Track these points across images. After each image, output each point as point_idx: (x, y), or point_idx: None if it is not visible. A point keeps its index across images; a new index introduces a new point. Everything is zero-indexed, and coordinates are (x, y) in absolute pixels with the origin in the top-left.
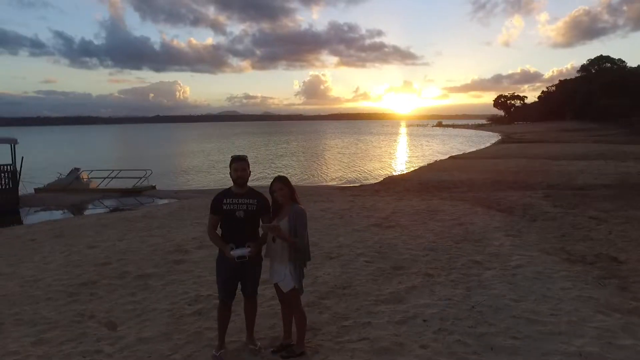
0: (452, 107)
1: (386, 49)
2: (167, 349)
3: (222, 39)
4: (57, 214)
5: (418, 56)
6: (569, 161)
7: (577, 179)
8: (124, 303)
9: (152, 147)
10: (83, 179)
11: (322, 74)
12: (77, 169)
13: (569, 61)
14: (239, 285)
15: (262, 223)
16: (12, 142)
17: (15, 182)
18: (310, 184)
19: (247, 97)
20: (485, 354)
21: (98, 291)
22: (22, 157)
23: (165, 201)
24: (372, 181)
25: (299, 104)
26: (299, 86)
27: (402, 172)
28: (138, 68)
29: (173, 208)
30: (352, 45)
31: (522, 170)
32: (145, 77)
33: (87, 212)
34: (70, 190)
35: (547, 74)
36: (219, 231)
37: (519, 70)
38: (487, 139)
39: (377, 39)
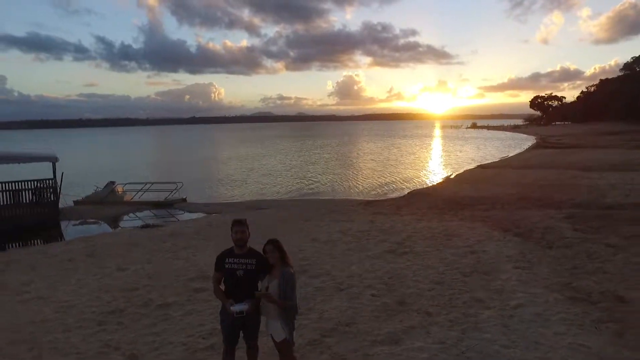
0: (488, 106)
1: (420, 49)
2: None
3: (256, 41)
4: (93, 228)
5: (453, 55)
6: (601, 173)
7: (606, 196)
8: (146, 334)
9: (185, 151)
10: (118, 191)
11: (356, 75)
12: (112, 182)
13: (612, 58)
14: (241, 333)
15: (258, 287)
16: (53, 161)
17: (57, 196)
18: (337, 197)
19: (281, 98)
20: None
21: (124, 320)
22: (62, 173)
23: (194, 216)
24: (399, 193)
25: (332, 105)
26: (333, 87)
27: (428, 185)
28: (174, 70)
29: (200, 225)
30: (385, 45)
31: (550, 185)
32: (181, 79)
33: (120, 226)
34: (106, 203)
35: (588, 72)
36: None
37: (558, 68)
38: (522, 143)
39: (411, 39)
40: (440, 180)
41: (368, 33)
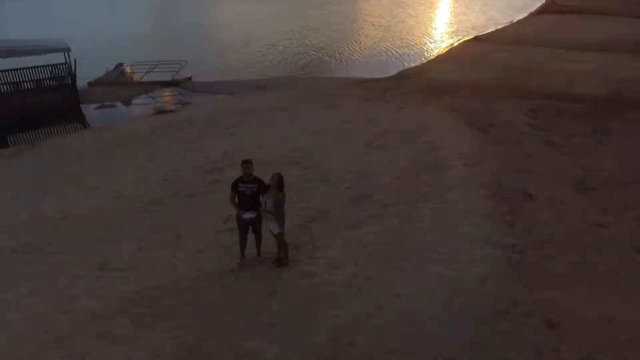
0: None
1: None
2: (214, 257)
3: None
4: (113, 112)
5: None
6: (588, 54)
7: (575, 86)
8: (182, 218)
9: (177, 12)
10: (127, 72)
11: None
12: (120, 64)
13: None
14: (250, 228)
15: (261, 204)
16: (66, 51)
17: (74, 80)
18: (332, 75)
19: None
20: (387, 272)
21: (162, 208)
22: (75, 60)
23: (202, 99)
24: (391, 71)
25: None
26: None
27: (417, 65)
28: None
29: (208, 112)
30: None
31: (531, 69)
32: None
33: (134, 104)
34: (118, 84)
35: None
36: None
37: None
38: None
39: None
40: (433, 57)
41: None
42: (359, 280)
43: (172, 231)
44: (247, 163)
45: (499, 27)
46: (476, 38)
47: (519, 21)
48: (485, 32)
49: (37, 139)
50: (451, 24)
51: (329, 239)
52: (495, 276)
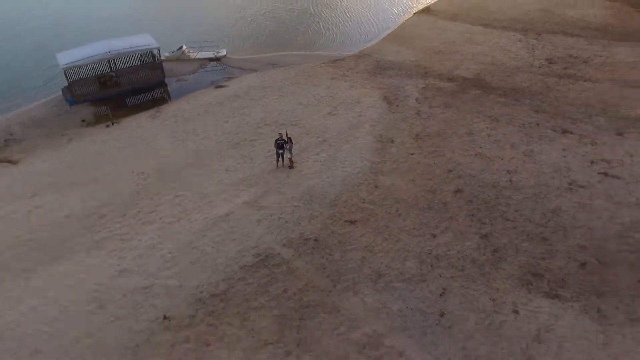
0: None
1: None
2: (268, 164)
3: None
4: (187, 85)
5: None
6: (502, 32)
7: (458, 69)
8: (249, 151)
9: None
10: (186, 52)
11: None
12: (181, 47)
13: None
14: (280, 155)
15: (284, 147)
16: (157, 49)
17: (160, 61)
18: (321, 52)
19: None
20: (329, 169)
21: (240, 145)
22: (159, 48)
23: (238, 75)
24: (357, 49)
25: None
26: None
27: (374, 44)
28: None
29: (246, 87)
30: None
31: (442, 51)
32: None
33: (200, 80)
34: (180, 60)
35: None
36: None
37: None
38: None
39: None
40: (388, 34)
41: None
42: (318, 172)
43: (248, 155)
44: (279, 135)
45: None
46: (428, 10)
47: None
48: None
49: (164, 101)
50: None
51: (308, 159)
52: (365, 171)
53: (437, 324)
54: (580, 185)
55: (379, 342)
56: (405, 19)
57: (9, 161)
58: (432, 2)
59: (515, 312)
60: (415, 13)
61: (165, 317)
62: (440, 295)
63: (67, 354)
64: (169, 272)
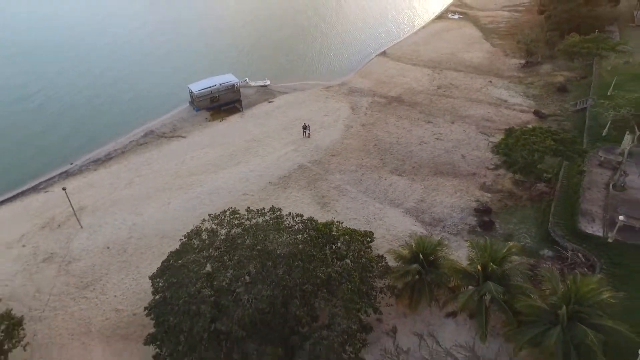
0: None
1: None
2: (299, 136)
3: None
4: (253, 102)
5: None
6: (418, 68)
7: (391, 90)
8: (289, 133)
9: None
10: (248, 82)
11: None
12: (245, 79)
13: None
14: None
15: (306, 129)
16: (243, 81)
17: (238, 88)
18: (321, 82)
19: None
20: (313, 140)
21: (286, 129)
22: (237, 82)
23: (277, 97)
24: (344, 77)
25: None
26: None
27: (349, 77)
28: None
29: (284, 103)
30: None
31: (385, 81)
32: None
33: (271, 102)
34: (246, 87)
35: None
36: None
37: None
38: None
39: None
40: (357, 70)
41: None
42: (319, 139)
43: (289, 132)
44: (304, 123)
45: (401, 38)
46: (384, 53)
47: (411, 34)
48: (390, 46)
49: (236, 111)
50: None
51: (314, 135)
52: (338, 138)
53: (359, 182)
54: (425, 142)
55: (340, 187)
56: (370, 59)
57: (180, 136)
58: (389, 47)
59: (386, 179)
60: (376, 55)
61: (269, 183)
62: (362, 175)
63: (244, 183)
64: (266, 171)
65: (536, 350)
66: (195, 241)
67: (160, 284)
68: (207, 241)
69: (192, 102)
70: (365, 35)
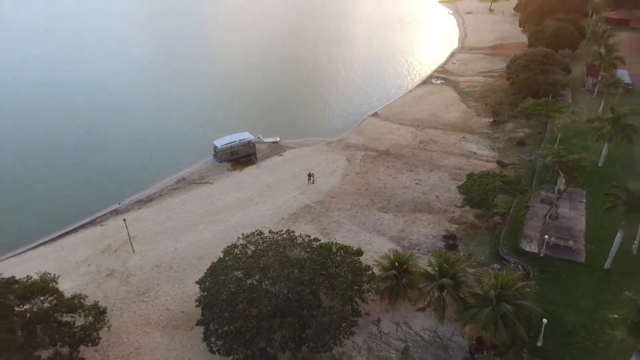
0: None
1: None
2: (303, 184)
3: None
4: (266, 152)
5: None
6: (404, 126)
7: (381, 145)
8: (298, 179)
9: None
10: (261, 138)
11: None
12: (259, 136)
13: None
14: (309, 178)
15: (310, 177)
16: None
17: (253, 143)
18: (322, 138)
19: None
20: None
21: (294, 177)
22: (252, 139)
23: (286, 151)
24: (341, 133)
25: None
26: None
27: (346, 134)
28: None
29: (292, 156)
30: None
31: (377, 137)
32: None
33: (282, 155)
34: (260, 142)
35: None
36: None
37: None
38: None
39: None
40: (353, 129)
41: None
42: (321, 184)
43: (296, 179)
44: (309, 172)
45: (391, 101)
46: (376, 114)
47: (399, 97)
48: (381, 108)
49: (252, 163)
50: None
51: (318, 181)
52: (337, 184)
53: (354, 217)
54: (407, 187)
55: (338, 221)
56: (364, 119)
57: (207, 182)
58: (380, 108)
59: (374, 215)
60: (369, 116)
61: (282, 218)
62: (355, 212)
63: (262, 218)
64: (279, 209)
65: (477, 325)
66: (231, 255)
67: (206, 284)
68: (239, 254)
69: (215, 155)
70: (360, 98)
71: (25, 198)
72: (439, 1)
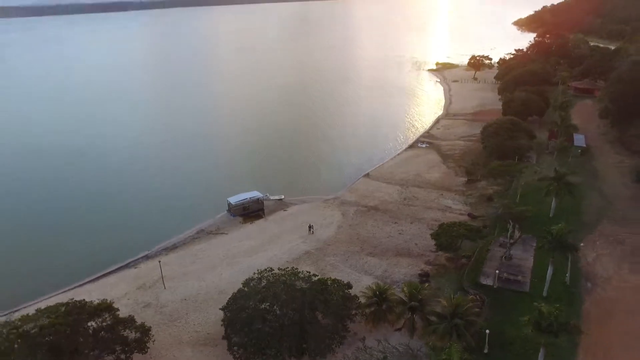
0: None
1: None
2: (304, 234)
3: None
4: (278, 209)
5: None
6: (391, 185)
7: (372, 201)
8: (300, 230)
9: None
10: (268, 196)
11: None
12: (266, 194)
13: None
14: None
15: (311, 228)
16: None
17: (261, 200)
18: (321, 196)
19: None
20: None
21: (296, 229)
22: (260, 197)
23: (290, 207)
24: (336, 191)
25: None
26: None
27: (341, 192)
28: None
29: (295, 211)
30: None
31: (367, 195)
32: None
33: (286, 210)
34: (266, 199)
35: None
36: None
37: None
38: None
39: None
40: (347, 187)
41: None
42: (319, 234)
43: (299, 230)
44: (309, 224)
45: (381, 163)
46: (367, 174)
47: (388, 160)
48: (372, 169)
49: (260, 217)
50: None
51: (317, 232)
52: (333, 234)
53: (346, 261)
54: (391, 236)
55: (334, 264)
56: (357, 179)
57: (223, 233)
58: (372, 169)
59: (363, 259)
60: (361, 176)
61: (286, 261)
62: (347, 257)
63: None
64: (284, 255)
65: (436, 336)
66: (248, 286)
67: (229, 308)
68: (255, 285)
69: (229, 210)
70: (356, 158)
71: (68, 246)
72: (429, 70)
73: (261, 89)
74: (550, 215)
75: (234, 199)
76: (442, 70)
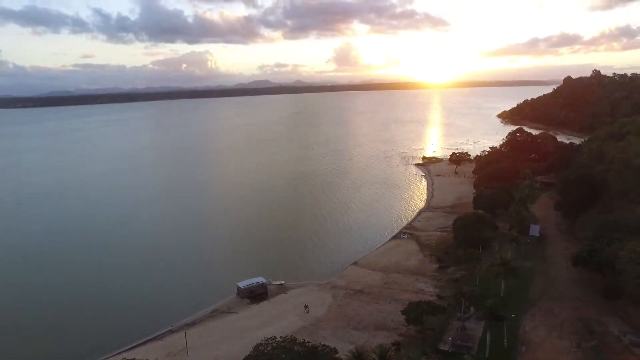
0: (486, 73)
1: (417, 17)
2: (301, 313)
3: (253, 12)
4: (274, 291)
5: (450, 22)
6: (381, 273)
7: (358, 286)
8: (300, 306)
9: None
10: (271, 281)
11: (353, 42)
12: (270, 280)
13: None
14: None
15: (307, 308)
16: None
17: (265, 285)
18: (315, 281)
19: (279, 65)
20: None
21: (296, 306)
22: (265, 282)
23: (290, 290)
24: (329, 279)
25: (330, 72)
26: (331, 54)
27: (333, 279)
28: (172, 41)
29: (296, 293)
30: (382, 14)
31: (356, 280)
32: (179, 50)
33: (286, 294)
34: (270, 284)
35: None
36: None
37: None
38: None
39: (408, 7)
40: (338, 274)
41: (365, 1)
42: (313, 312)
43: (297, 312)
44: (305, 304)
45: (368, 252)
46: (355, 262)
47: (373, 250)
48: (359, 258)
49: (264, 299)
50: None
51: (312, 311)
52: (326, 310)
53: (335, 333)
54: (372, 313)
55: (324, 337)
56: (346, 267)
57: (234, 312)
58: (359, 258)
59: (349, 332)
60: (350, 264)
61: (286, 334)
62: (336, 330)
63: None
64: (285, 329)
65: None
66: (257, 350)
67: None
68: (263, 349)
69: (238, 293)
70: (346, 247)
71: (102, 322)
72: (415, 164)
73: (263, 181)
74: (502, 295)
75: (242, 284)
76: (428, 164)
